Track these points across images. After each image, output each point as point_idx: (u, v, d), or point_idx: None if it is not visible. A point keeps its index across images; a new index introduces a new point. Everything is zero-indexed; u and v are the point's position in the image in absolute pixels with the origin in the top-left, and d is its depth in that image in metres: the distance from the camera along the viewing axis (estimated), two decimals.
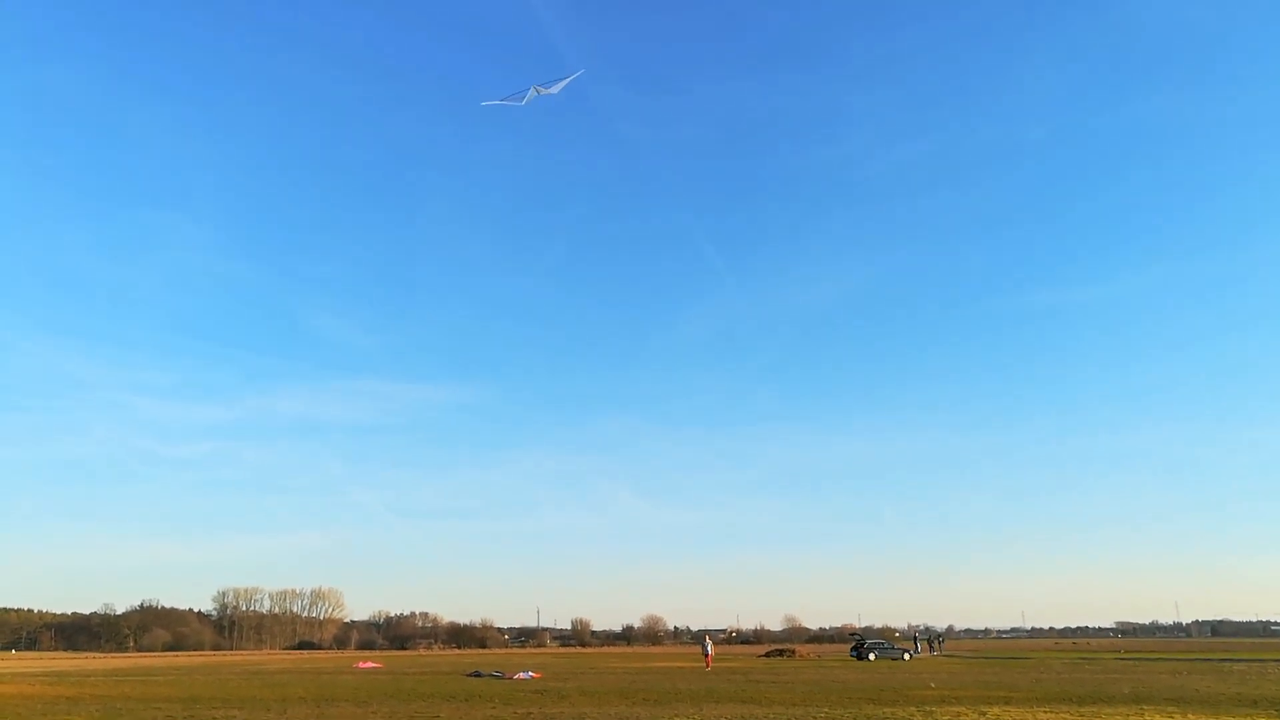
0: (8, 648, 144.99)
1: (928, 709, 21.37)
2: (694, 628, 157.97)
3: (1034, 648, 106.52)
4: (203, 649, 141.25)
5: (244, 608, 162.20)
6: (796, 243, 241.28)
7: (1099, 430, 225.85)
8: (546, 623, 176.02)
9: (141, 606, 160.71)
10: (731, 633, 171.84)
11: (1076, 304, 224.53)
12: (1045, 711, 20.63)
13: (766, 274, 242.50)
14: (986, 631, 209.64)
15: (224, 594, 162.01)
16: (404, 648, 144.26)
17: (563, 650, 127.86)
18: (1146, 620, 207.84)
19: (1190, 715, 19.74)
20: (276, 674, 46.20)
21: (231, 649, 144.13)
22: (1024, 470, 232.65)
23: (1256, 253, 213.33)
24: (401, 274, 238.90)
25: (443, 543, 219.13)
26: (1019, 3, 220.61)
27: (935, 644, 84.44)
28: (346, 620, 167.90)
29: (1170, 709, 21.28)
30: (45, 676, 44.42)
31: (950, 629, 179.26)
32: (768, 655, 78.18)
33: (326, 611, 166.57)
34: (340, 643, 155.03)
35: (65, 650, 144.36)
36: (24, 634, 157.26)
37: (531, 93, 32.13)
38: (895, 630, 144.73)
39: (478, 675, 41.82)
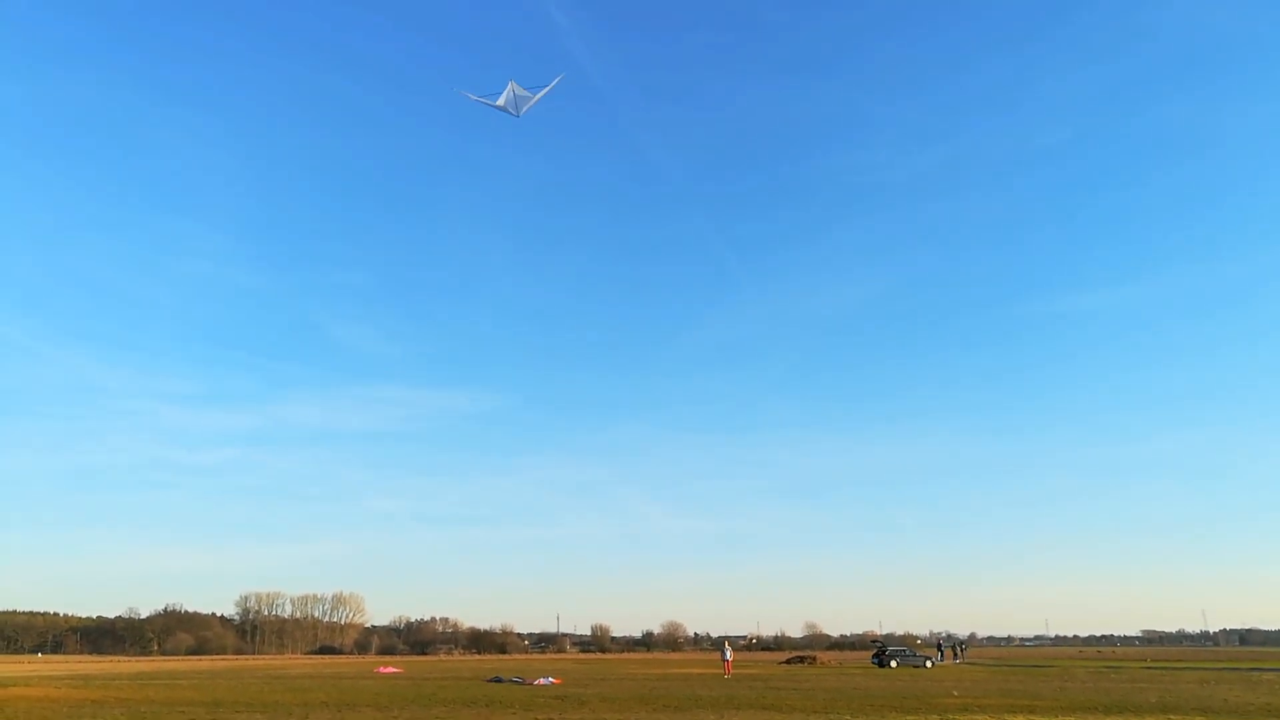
0: (34, 651, 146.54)
1: (950, 717, 21.20)
2: (714, 634, 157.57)
3: (1058, 656, 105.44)
4: (225, 653, 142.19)
5: (266, 613, 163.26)
6: (815, 249, 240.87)
7: (1124, 436, 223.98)
8: (566, 629, 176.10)
9: (165, 611, 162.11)
10: (752, 639, 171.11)
11: (1098, 309, 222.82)
12: None
13: (785, 280, 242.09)
14: (1010, 639, 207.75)
15: (246, 599, 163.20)
16: (424, 653, 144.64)
17: (583, 656, 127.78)
18: (1173, 629, 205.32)
19: None
20: (298, 678, 46.44)
21: (254, 653, 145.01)
22: (1047, 477, 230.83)
23: None
24: (420, 282, 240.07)
25: (462, 549, 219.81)
26: (1037, 8, 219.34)
27: (958, 651, 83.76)
28: (367, 625, 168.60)
29: (1198, 718, 21.00)
30: (71, 680, 44.86)
31: (973, 636, 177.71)
32: (788, 662, 77.84)
33: (347, 616, 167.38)
34: (361, 648, 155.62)
35: (90, 654, 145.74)
36: (50, 637, 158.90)
37: (509, 92, 31.60)
38: (917, 638, 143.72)
39: (498, 681, 41.87)
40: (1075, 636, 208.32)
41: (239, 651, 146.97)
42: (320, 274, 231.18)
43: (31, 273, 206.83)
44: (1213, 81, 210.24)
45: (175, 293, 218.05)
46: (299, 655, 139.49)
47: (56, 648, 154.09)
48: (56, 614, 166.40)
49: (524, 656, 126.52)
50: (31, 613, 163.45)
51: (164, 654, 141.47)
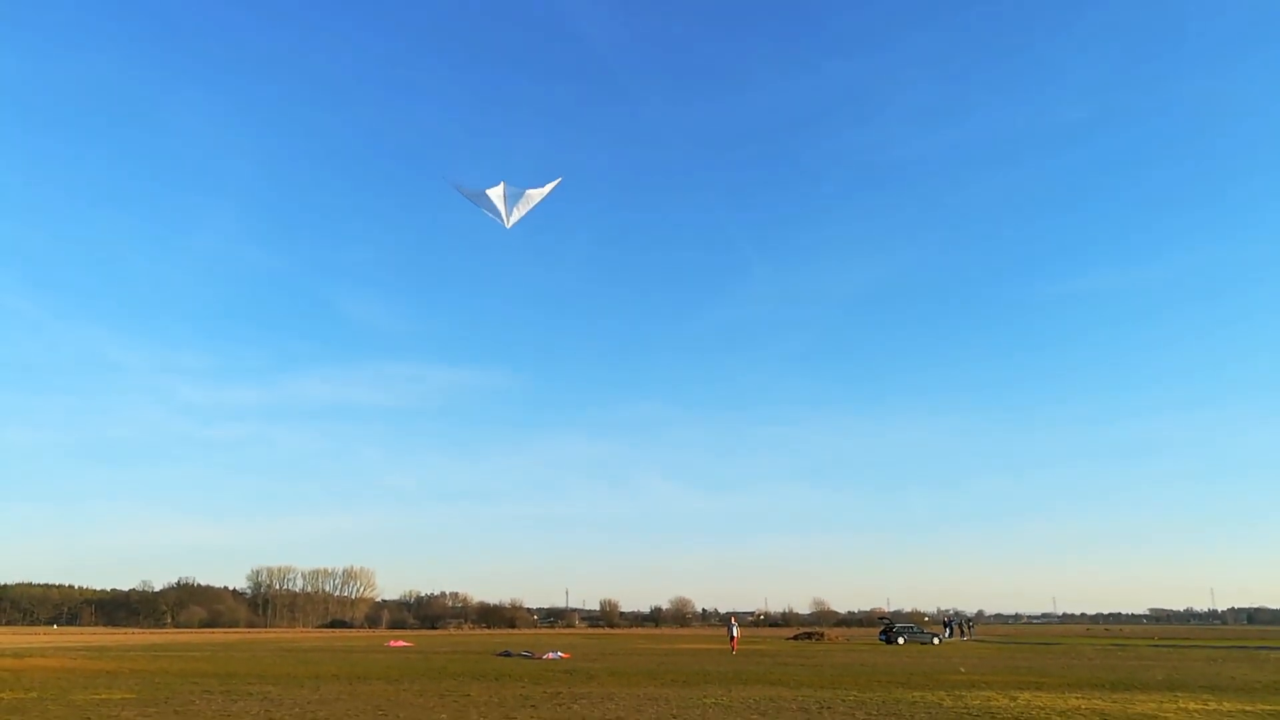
0: (49, 623, 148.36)
1: (957, 693, 21.27)
2: (722, 610, 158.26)
3: (1066, 634, 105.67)
4: (238, 626, 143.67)
5: (277, 586, 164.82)
6: (827, 229, 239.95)
7: (1134, 416, 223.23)
8: (575, 604, 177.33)
9: (179, 584, 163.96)
10: (760, 615, 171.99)
11: (1108, 290, 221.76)
12: (1077, 697, 20.45)
13: (797, 260, 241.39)
14: (1017, 617, 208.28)
15: (258, 573, 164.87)
16: (434, 627, 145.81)
17: (591, 631, 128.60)
18: (1181, 607, 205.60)
19: (1225, 703, 19.48)
20: (310, 651, 46.87)
21: (265, 626, 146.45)
22: (1056, 456, 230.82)
23: None
24: (432, 260, 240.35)
25: (473, 524, 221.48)
26: None
27: (965, 629, 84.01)
28: (378, 600, 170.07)
29: (1205, 696, 21.02)
30: (86, 651, 45.38)
31: (980, 614, 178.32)
32: (796, 638, 78.26)
33: (358, 591, 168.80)
34: (372, 622, 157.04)
35: (105, 626, 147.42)
36: (65, 610, 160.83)
37: (500, 191, 29.22)
38: (925, 615, 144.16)
39: (507, 655, 42.19)
40: (1083, 615, 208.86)
41: (251, 625, 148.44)
42: (332, 251, 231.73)
43: (47, 250, 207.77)
44: (1234, 60, 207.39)
45: (188, 269, 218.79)
46: (310, 629, 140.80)
47: (72, 620, 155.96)
48: (72, 586, 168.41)
49: (533, 631, 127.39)
50: (47, 585, 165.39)
51: (177, 626, 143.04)
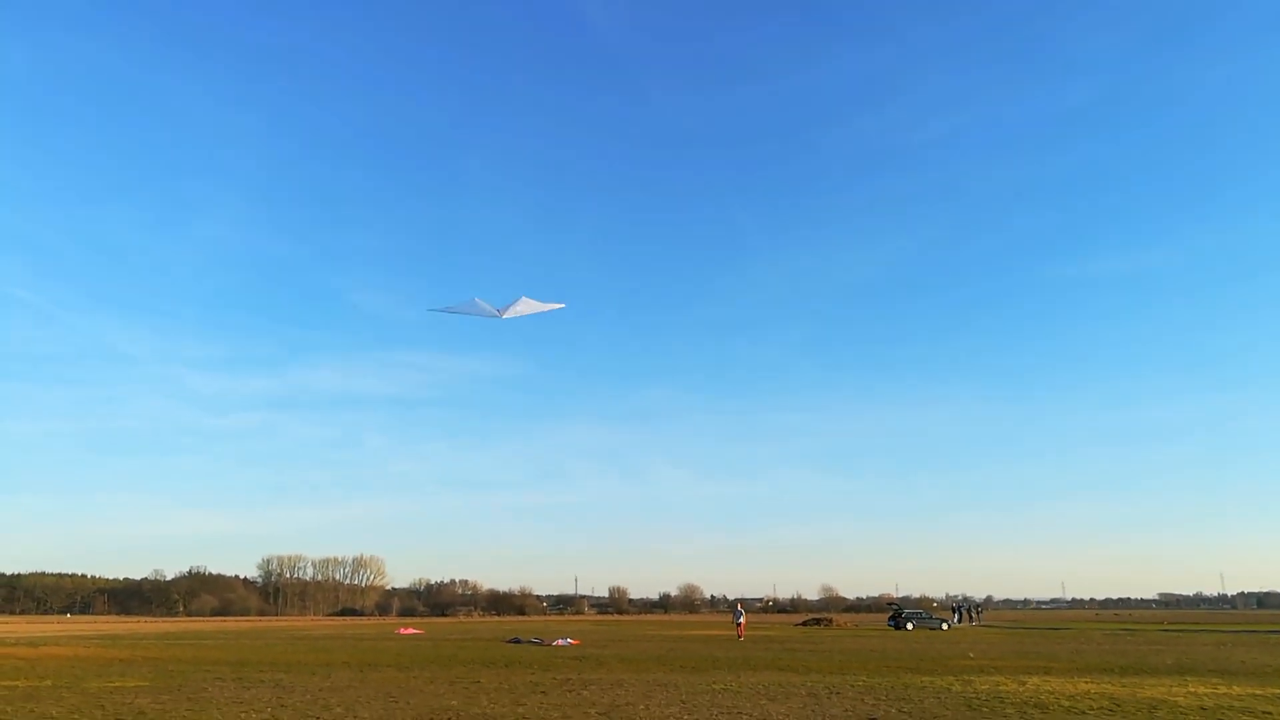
0: (63, 612, 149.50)
1: (966, 678, 21.30)
2: (730, 597, 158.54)
3: (1074, 619, 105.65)
4: (249, 615, 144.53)
5: (288, 575, 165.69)
6: (834, 214, 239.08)
7: (1145, 401, 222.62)
8: (584, 591, 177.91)
9: (190, 573, 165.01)
10: (768, 602, 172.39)
11: (1124, 275, 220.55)
12: (1086, 682, 20.46)
13: (804, 245, 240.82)
14: (1026, 602, 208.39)
15: (268, 561, 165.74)
16: (444, 614, 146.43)
17: (600, 618, 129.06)
18: (1190, 592, 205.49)
19: (1235, 687, 19.47)
20: (320, 639, 47.15)
21: (277, 615, 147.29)
22: (1065, 440, 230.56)
23: None
24: (439, 249, 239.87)
25: (482, 512, 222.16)
26: None
27: (974, 614, 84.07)
28: (388, 587, 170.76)
29: (1214, 680, 21.01)
30: (99, 639, 45.73)
31: (989, 599, 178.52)
32: (805, 624, 78.39)
33: (368, 579, 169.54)
34: (382, 609, 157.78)
35: (118, 614, 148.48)
36: (78, 598, 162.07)
37: (486, 308, 28.54)
38: (933, 600, 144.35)
39: (517, 642, 42.36)
40: (1092, 600, 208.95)
41: (262, 613, 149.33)
42: (339, 239, 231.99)
43: (55, 239, 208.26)
44: (1246, 42, 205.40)
45: (195, 259, 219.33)
46: (321, 617, 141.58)
47: (84, 608, 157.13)
48: (84, 575, 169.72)
49: (542, 618, 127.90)
50: (60, 574, 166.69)
51: (189, 615, 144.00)
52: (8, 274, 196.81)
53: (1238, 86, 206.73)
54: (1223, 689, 19.02)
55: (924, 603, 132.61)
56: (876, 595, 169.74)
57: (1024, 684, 19.85)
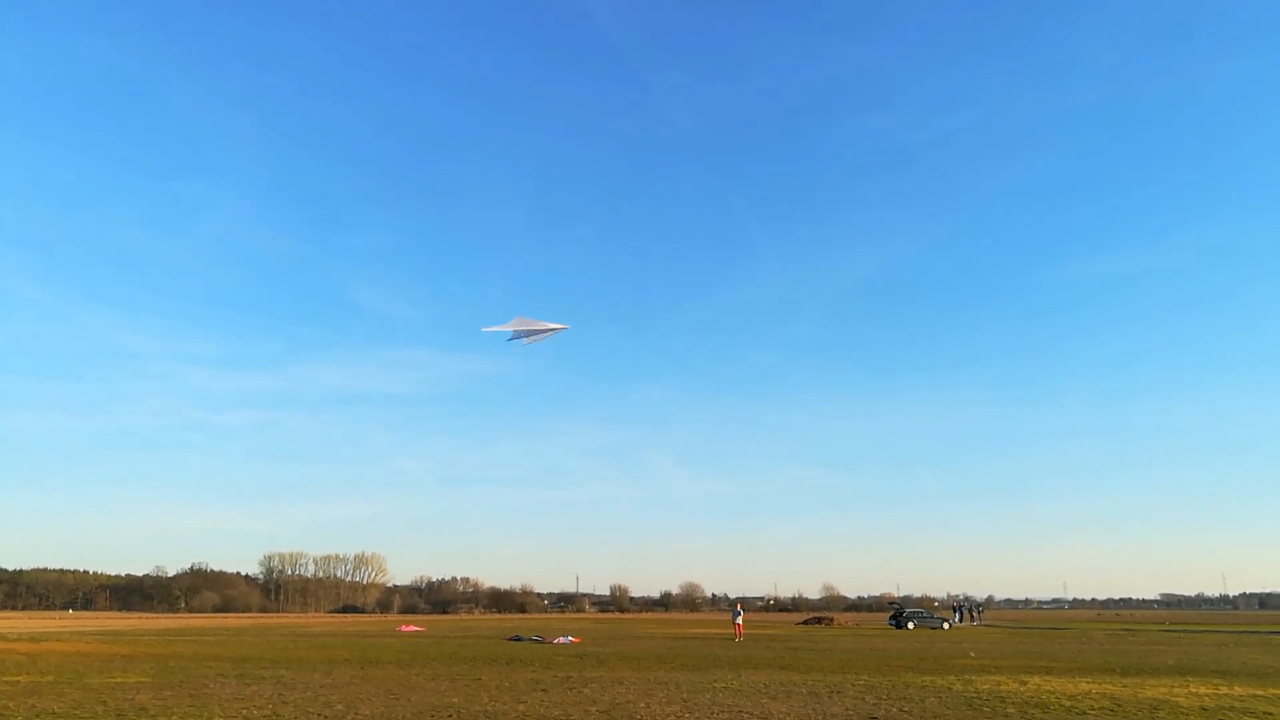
0: (65, 607, 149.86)
1: (967, 678, 21.29)
2: (731, 595, 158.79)
3: (1076, 619, 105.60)
4: (250, 611, 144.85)
5: (289, 572, 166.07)
6: (838, 213, 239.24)
7: (1146, 400, 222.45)
8: (585, 589, 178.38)
9: (192, 569, 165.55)
10: (769, 601, 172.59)
11: (1125, 273, 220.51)
12: (1087, 682, 20.45)
13: (807, 244, 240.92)
14: (1027, 602, 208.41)
15: (270, 558, 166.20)
16: (445, 612, 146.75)
17: (601, 616, 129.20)
18: (1192, 593, 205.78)
19: (1236, 687, 19.45)
20: (321, 636, 47.20)
21: (278, 611, 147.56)
22: (1067, 441, 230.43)
23: None
24: (442, 247, 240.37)
25: (483, 510, 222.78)
26: None
27: (975, 614, 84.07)
28: (389, 585, 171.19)
29: (1216, 681, 20.99)
30: (101, 635, 45.80)
31: (990, 599, 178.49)
32: (806, 623, 78.41)
33: (369, 576, 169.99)
34: (383, 606, 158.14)
35: (120, 610, 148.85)
36: (80, 594, 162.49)
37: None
38: (934, 600, 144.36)
39: (518, 639, 42.41)
40: (1093, 600, 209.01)
41: (264, 610, 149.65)
42: (341, 238, 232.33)
43: (60, 238, 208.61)
44: (1249, 41, 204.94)
45: (199, 258, 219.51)
46: (322, 614, 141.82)
47: (87, 604, 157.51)
48: (87, 572, 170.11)
49: (543, 616, 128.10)
50: (63, 570, 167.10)
51: (191, 611, 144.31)
52: (14, 271, 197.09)
53: (1241, 86, 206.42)
54: (1224, 689, 19.01)
55: (925, 602, 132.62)
56: (878, 594, 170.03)
57: (1025, 684, 19.84)
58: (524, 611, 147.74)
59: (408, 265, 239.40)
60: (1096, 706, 15.75)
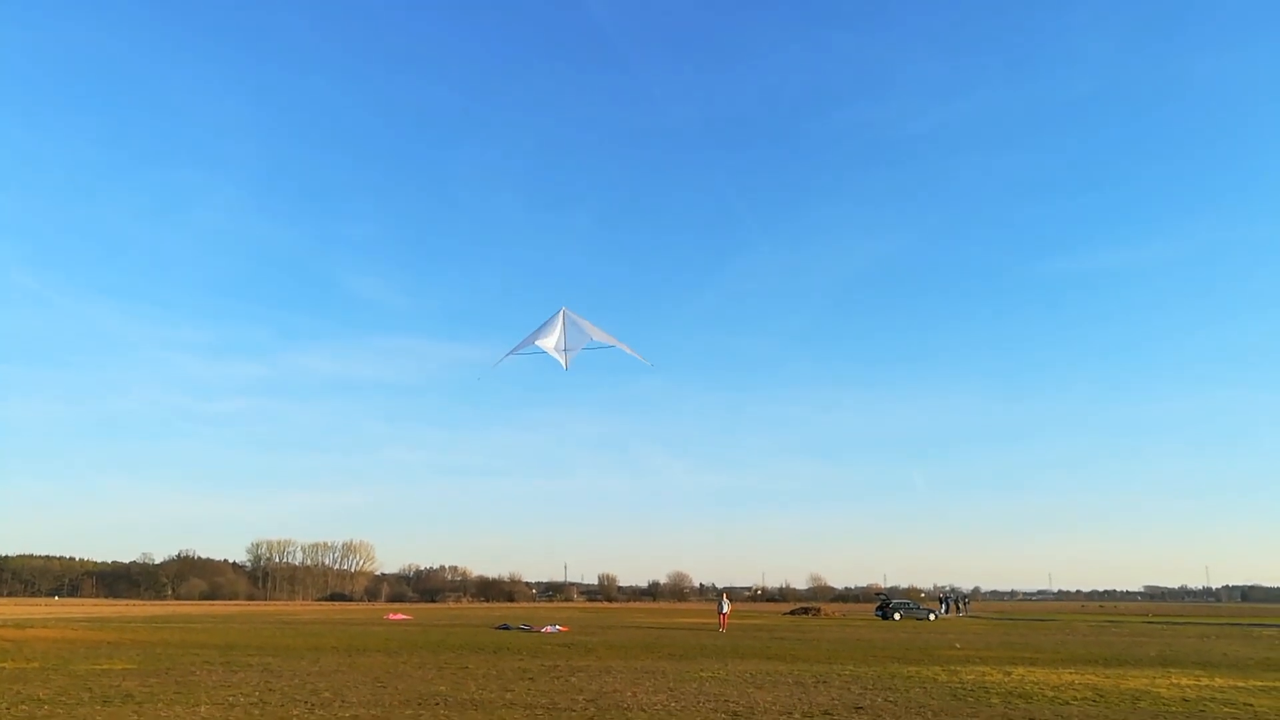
0: (51, 594, 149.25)
1: (952, 668, 21.45)
2: (719, 585, 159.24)
3: (1060, 610, 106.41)
4: (238, 599, 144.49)
5: (277, 560, 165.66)
6: (833, 205, 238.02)
7: (1134, 394, 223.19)
8: (574, 578, 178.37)
9: (179, 557, 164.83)
10: (757, 591, 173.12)
11: (1116, 269, 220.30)
12: (1070, 672, 20.64)
13: (802, 236, 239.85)
14: (1013, 593, 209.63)
15: (258, 546, 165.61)
16: (433, 600, 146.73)
17: (589, 605, 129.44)
18: (1175, 585, 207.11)
19: (1217, 679, 19.65)
20: (309, 624, 47.18)
21: (265, 599, 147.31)
22: (1055, 434, 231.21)
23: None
24: (433, 233, 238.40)
25: (472, 499, 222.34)
26: None
27: (961, 605, 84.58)
28: (377, 573, 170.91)
29: (1197, 672, 21.21)
30: (87, 622, 45.66)
31: (976, 590, 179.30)
32: (793, 613, 78.74)
33: (358, 564, 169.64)
34: (371, 595, 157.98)
35: (106, 597, 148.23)
36: (66, 581, 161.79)
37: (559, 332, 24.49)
38: (921, 591, 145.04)
39: (506, 628, 42.46)
40: (1078, 591, 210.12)
41: (251, 597, 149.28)
42: (332, 226, 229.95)
43: (48, 224, 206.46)
44: (1239, 44, 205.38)
45: (189, 244, 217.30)
46: (310, 601, 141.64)
47: (73, 591, 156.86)
48: (73, 558, 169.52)
49: (531, 605, 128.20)
50: (48, 557, 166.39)
51: (178, 598, 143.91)
52: (5, 258, 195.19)
53: (1235, 79, 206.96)
54: (1205, 680, 19.20)
55: (911, 593, 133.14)
56: (865, 585, 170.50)
57: (1009, 674, 20.00)
58: (512, 600, 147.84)
59: (400, 254, 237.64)
60: (1079, 697, 15.90)
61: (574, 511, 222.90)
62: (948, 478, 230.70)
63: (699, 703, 14.56)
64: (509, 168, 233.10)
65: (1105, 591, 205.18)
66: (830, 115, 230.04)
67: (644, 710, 13.54)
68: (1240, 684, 18.69)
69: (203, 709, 13.24)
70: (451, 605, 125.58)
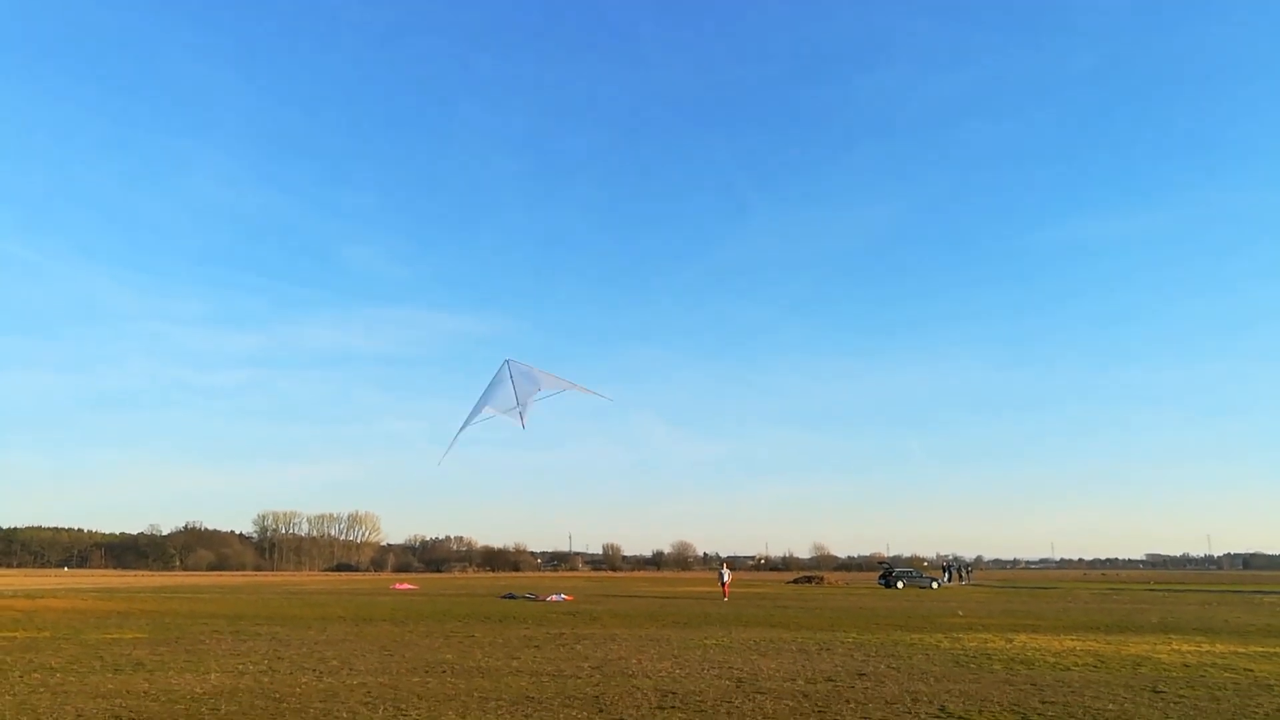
0: (60, 565, 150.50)
1: (955, 635, 21.61)
2: (723, 554, 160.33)
3: (1062, 578, 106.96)
4: (244, 569, 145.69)
5: (283, 531, 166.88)
6: (830, 173, 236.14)
7: (1135, 361, 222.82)
8: (579, 548, 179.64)
9: (186, 528, 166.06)
10: (760, 560, 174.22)
11: (1116, 236, 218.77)
12: (1072, 639, 20.79)
13: (800, 204, 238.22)
14: (1015, 562, 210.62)
15: (264, 517, 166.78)
16: (439, 570, 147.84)
17: (594, 574, 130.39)
18: (1177, 553, 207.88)
19: (1218, 644, 19.79)
20: (316, 594, 47.57)
21: (272, 570, 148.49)
22: (1056, 402, 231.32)
23: None
24: (430, 204, 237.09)
25: (477, 470, 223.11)
26: None
27: (964, 573, 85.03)
28: (383, 544, 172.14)
29: (1198, 638, 21.35)
30: (97, 592, 46.06)
31: (979, 559, 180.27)
32: (796, 582, 79.21)
33: (363, 535, 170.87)
34: (377, 565, 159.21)
35: (115, 568, 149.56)
36: (75, 552, 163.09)
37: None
38: (924, 560, 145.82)
39: (511, 597, 42.79)
40: (1080, 560, 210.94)
41: (258, 568, 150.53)
42: (329, 195, 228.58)
43: (43, 193, 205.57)
44: (1243, 10, 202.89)
45: (183, 214, 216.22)
46: (316, 572, 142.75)
47: (82, 562, 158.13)
48: (81, 530, 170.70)
49: (536, 574, 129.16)
50: (57, 528, 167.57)
51: (185, 569, 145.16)
52: (1, 229, 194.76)
53: (1240, 49, 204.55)
54: (1206, 647, 19.34)
55: (915, 562, 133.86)
56: (868, 554, 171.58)
57: (1011, 641, 20.16)
58: (517, 570, 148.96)
59: (396, 224, 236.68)
60: (1080, 663, 16.02)
61: (577, 482, 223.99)
62: (950, 447, 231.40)
63: (703, 669, 14.70)
64: (507, 135, 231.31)
65: (1107, 560, 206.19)
66: (831, 83, 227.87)
67: (649, 677, 13.67)
68: (1241, 650, 18.82)
69: (213, 677, 13.39)
70: (457, 575, 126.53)
